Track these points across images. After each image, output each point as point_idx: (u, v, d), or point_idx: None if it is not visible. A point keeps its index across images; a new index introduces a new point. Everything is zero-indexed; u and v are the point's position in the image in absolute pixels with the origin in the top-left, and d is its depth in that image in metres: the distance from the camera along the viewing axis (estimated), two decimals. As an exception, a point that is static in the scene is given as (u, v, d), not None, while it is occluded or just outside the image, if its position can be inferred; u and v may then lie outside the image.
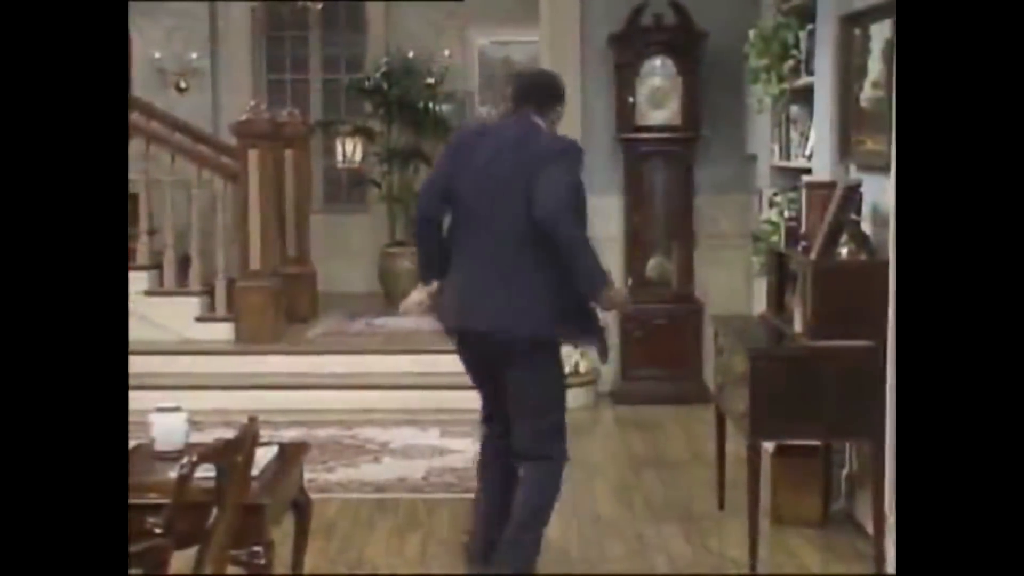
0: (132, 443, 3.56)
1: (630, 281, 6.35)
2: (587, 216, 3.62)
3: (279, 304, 6.98)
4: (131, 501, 2.87)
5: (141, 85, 9.21)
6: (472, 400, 6.03)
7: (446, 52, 9.35)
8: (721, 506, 4.59)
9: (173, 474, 2.57)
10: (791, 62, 5.33)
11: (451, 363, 6.62)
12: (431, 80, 9.12)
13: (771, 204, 5.45)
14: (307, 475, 3.81)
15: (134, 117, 7.54)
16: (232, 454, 2.52)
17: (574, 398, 5.10)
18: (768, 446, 4.39)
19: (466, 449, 5.54)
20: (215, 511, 2.51)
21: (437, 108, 9.14)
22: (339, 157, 9.52)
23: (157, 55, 9.26)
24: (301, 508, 3.53)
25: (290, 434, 5.50)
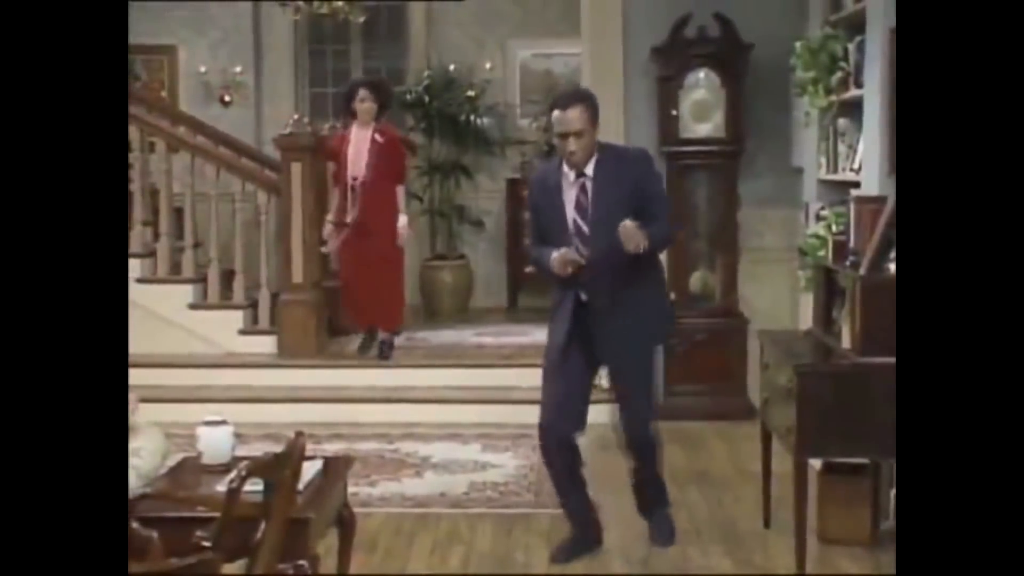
0: (179, 456, 3.59)
1: (672, 295, 6.30)
2: (544, 220, 4.15)
3: (321, 317, 7.00)
4: (180, 514, 2.90)
5: (187, 99, 9.32)
6: (513, 414, 6.07)
7: (487, 65, 9.36)
8: (767, 524, 4.54)
9: (221, 487, 2.57)
10: (839, 74, 5.26)
11: (492, 377, 6.72)
12: (472, 93, 9.13)
13: (818, 218, 5.39)
14: (349, 489, 3.81)
15: (180, 131, 7.64)
16: (280, 469, 2.51)
17: (612, 413, 5.07)
18: (815, 463, 4.32)
19: (507, 464, 5.52)
20: (263, 525, 2.50)
21: (478, 121, 9.14)
22: (381, 170, 9.53)
23: (202, 69, 9.36)
24: (345, 522, 3.53)
25: (332, 448, 5.51)
